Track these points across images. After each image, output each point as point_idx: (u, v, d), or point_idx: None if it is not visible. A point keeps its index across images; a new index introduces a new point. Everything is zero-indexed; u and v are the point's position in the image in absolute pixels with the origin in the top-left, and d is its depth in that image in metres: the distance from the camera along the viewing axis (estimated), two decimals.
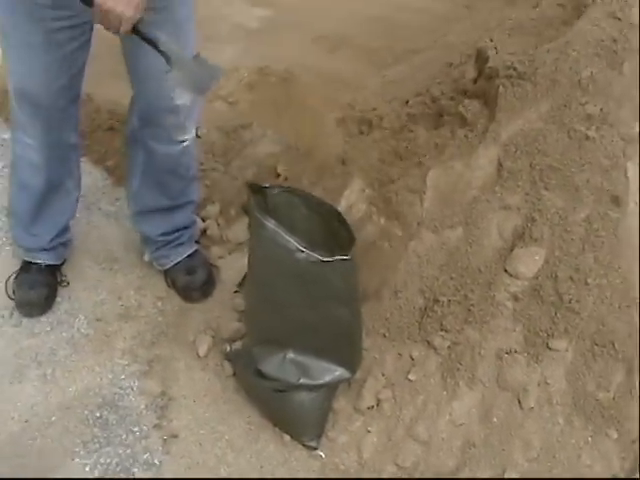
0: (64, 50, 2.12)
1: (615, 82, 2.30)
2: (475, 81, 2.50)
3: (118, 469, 2.19)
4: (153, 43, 1.92)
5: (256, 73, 1.72)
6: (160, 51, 1.91)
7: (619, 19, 2.35)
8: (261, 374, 2.15)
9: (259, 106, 1.83)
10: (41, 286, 2.56)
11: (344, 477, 2.13)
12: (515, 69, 2.35)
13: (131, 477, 2.11)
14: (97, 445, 2.25)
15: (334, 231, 2.04)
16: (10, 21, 2.09)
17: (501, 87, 2.35)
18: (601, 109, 2.27)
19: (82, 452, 2.23)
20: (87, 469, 2.19)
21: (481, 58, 2.50)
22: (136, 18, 1.86)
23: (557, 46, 2.35)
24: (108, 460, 2.22)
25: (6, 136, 3.09)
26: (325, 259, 1.91)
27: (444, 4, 3.94)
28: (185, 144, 2.35)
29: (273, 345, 2.13)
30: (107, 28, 1.88)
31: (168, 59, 1.90)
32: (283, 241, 1.92)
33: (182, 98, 2.17)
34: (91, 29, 2.13)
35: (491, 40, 2.52)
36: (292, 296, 2.00)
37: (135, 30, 1.90)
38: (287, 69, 1.78)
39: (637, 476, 2.11)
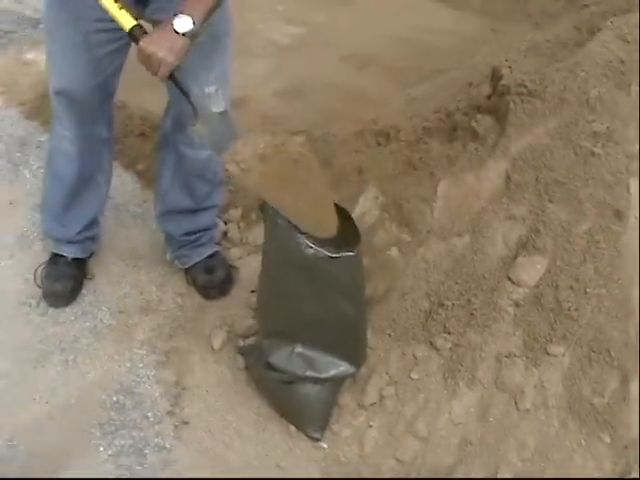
0: (102, 51, 2.32)
1: (622, 102, 2.43)
2: (489, 98, 2.65)
3: (131, 450, 2.34)
4: (185, 93, 2.11)
5: (272, 147, 1.91)
6: (190, 102, 2.10)
7: (628, 42, 2.49)
8: (270, 366, 2.30)
9: (266, 179, 2.02)
10: (67, 279, 2.75)
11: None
12: (526, 87, 2.49)
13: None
14: (112, 427, 2.40)
15: (342, 229, 2.19)
16: (57, 18, 2.30)
17: (512, 103, 2.49)
18: (607, 127, 2.40)
19: (98, 433, 2.39)
20: (101, 449, 2.35)
21: (496, 76, 2.65)
22: (174, 65, 2.04)
23: (567, 66, 2.49)
24: (122, 442, 2.37)
25: (42, 139, 3.30)
26: (332, 255, 2.06)
27: (472, 27, 4.11)
28: (211, 154, 2.50)
29: (282, 338, 2.28)
30: (147, 69, 2.07)
31: (195, 112, 2.09)
32: (294, 237, 2.08)
33: (217, 105, 2.34)
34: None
35: (506, 60, 2.66)
36: (301, 290, 2.16)
37: (172, 76, 2.09)
38: (300, 151, 2.00)
39: (633, 476, 2.21)
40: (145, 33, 2.08)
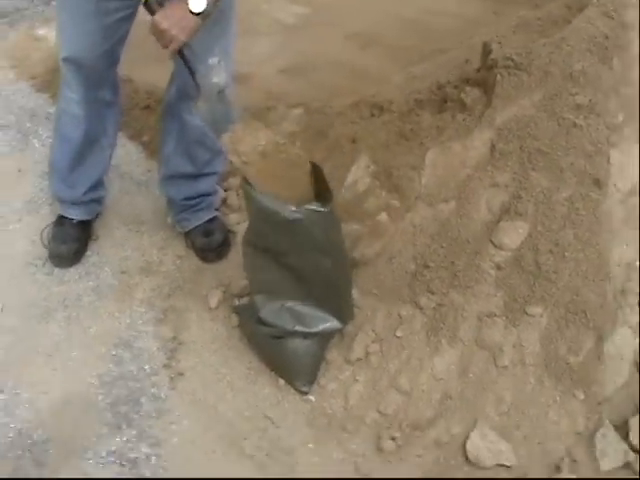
0: (110, 19, 2.46)
1: (604, 76, 2.56)
2: (478, 71, 2.80)
3: (128, 399, 2.51)
4: (192, 71, 2.27)
5: (273, 145, 2.08)
6: (195, 80, 2.26)
7: (612, 18, 2.62)
8: (261, 320, 2.47)
9: (263, 174, 2.22)
10: (72, 241, 2.93)
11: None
12: (513, 60, 2.63)
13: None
14: (110, 378, 2.57)
15: (317, 191, 2.35)
16: None
17: (499, 76, 2.63)
18: (590, 100, 2.54)
19: (96, 382, 2.56)
20: (100, 398, 2.52)
21: (486, 51, 2.80)
22: (184, 42, 2.20)
23: (553, 41, 2.62)
24: (119, 392, 2.54)
25: (52, 110, 3.48)
26: (301, 209, 2.22)
27: (474, 10, 4.25)
28: None
29: (272, 294, 2.45)
30: (158, 41, 2.23)
31: (199, 90, 2.25)
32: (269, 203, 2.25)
33: (219, 76, 2.51)
34: (137, 2, 2.41)
35: (497, 35, 2.81)
36: (282, 246, 2.33)
37: (180, 53, 2.25)
38: (298, 153, 2.20)
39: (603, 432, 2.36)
40: (160, 4, 2.23)
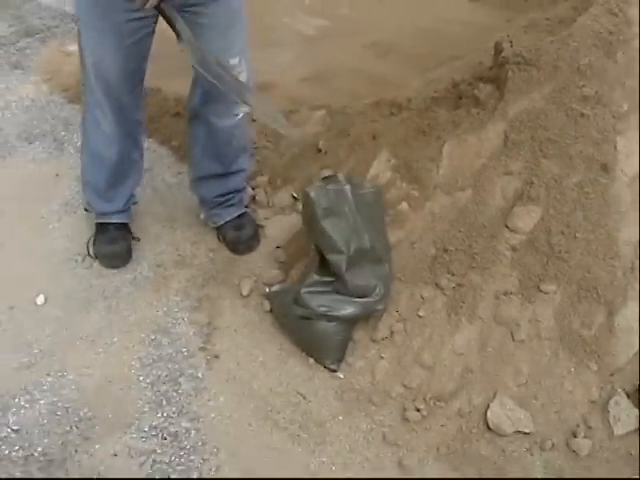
0: (133, 39, 2.68)
1: (609, 69, 2.80)
2: (491, 69, 3.07)
3: (167, 379, 2.76)
4: (171, 21, 2.49)
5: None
6: (175, 29, 2.49)
7: (616, 15, 2.87)
8: (298, 301, 2.72)
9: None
10: (121, 240, 3.18)
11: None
12: (523, 57, 2.88)
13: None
14: (150, 360, 2.81)
15: None
16: (90, 13, 2.64)
17: (510, 72, 2.89)
18: (596, 91, 2.78)
19: (138, 365, 2.80)
20: (141, 379, 2.76)
21: (497, 50, 3.07)
22: None
23: (560, 38, 2.88)
24: (159, 372, 2.78)
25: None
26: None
27: (487, 17, 4.53)
28: (239, 117, 2.91)
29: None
30: (135, 2, 2.43)
31: (179, 36, 2.48)
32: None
33: (241, 75, 2.76)
34: (155, 22, 2.68)
35: (508, 35, 3.09)
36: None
37: (159, 8, 2.46)
38: None
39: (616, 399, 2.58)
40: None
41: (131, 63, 2.74)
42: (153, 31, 2.71)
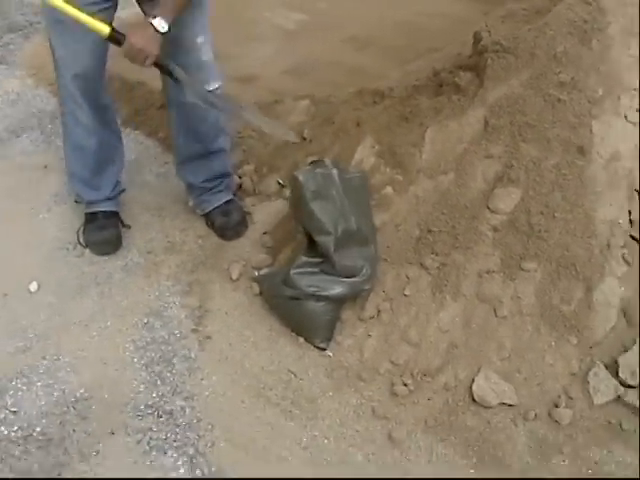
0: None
1: (585, 56, 2.93)
2: (470, 57, 3.20)
3: (161, 360, 2.85)
4: (170, 73, 2.77)
5: None
6: (175, 78, 2.76)
7: (590, 4, 2.99)
8: (287, 282, 2.82)
9: None
10: (111, 227, 3.27)
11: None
12: (501, 45, 3.01)
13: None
14: (144, 343, 2.90)
15: None
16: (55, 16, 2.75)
17: (489, 59, 3.01)
18: (572, 77, 2.90)
19: (132, 348, 2.89)
20: (135, 360, 2.85)
21: (477, 39, 3.20)
22: (157, 55, 2.65)
23: (537, 26, 3.00)
24: (153, 354, 2.87)
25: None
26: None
27: (464, 10, 4.66)
28: (211, 93, 2.97)
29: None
30: (134, 62, 2.65)
31: (179, 83, 2.75)
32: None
33: (207, 54, 2.90)
34: (114, 10, 2.85)
35: (486, 25, 3.22)
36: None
37: (158, 65, 2.73)
38: None
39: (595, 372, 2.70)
40: (119, 32, 2.65)
41: (98, 52, 2.86)
42: (113, 18, 2.84)
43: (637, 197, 2.83)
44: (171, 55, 2.86)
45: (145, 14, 2.73)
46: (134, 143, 3.74)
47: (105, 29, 2.63)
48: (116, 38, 2.64)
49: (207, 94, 2.83)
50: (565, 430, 2.60)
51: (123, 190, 3.34)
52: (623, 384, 2.65)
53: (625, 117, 2.87)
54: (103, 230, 3.24)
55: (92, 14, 2.62)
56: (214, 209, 3.26)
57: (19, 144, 3.84)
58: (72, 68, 2.86)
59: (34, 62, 4.42)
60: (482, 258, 2.83)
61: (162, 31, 2.61)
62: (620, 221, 2.82)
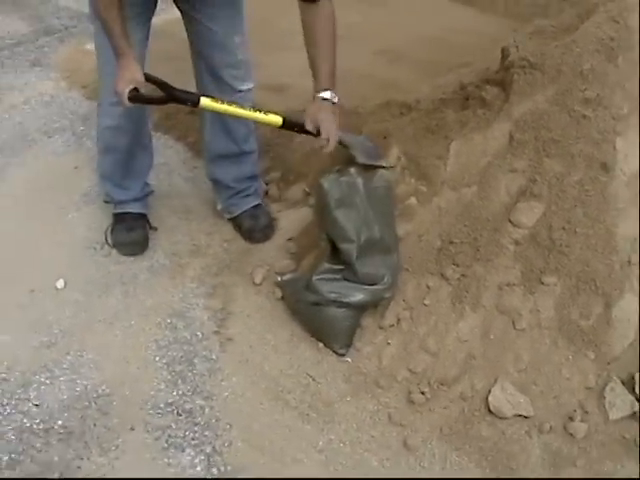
0: (140, 32, 2.93)
1: (610, 73, 2.95)
2: (497, 72, 3.26)
3: (182, 360, 2.92)
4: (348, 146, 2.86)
5: None
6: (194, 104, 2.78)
7: (617, 22, 3.03)
8: (309, 287, 2.88)
9: None
10: (139, 228, 3.37)
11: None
12: (528, 61, 3.05)
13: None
14: (166, 342, 2.98)
15: None
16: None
17: (515, 75, 3.05)
18: (597, 94, 2.93)
19: (154, 347, 2.97)
20: (157, 359, 2.93)
21: (504, 55, 3.25)
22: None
23: (564, 43, 3.05)
24: (174, 354, 2.94)
25: None
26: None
27: (495, 27, 4.72)
28: (243, 93, 3.11)
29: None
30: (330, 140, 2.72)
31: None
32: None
33: (243, 54, 2.99)
34: (155, 6, 2.95)
35: (514, 40, 3.27)
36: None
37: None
38: None
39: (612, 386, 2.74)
40: (289, 119, 2.82)
41: (141, 51, 2.96)
42: (151, 17, 2.97)
43: None
44: (208, 54, 2.97)
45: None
46: (164, 147, 3.82)
47: (279, 119, 2.77)
48: (293, 124, 2.81)
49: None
50: (579, 444, 2.63)
51: (152, 192, 3.41)
52: (639, 400, 2.64)
53: None
54: (131, 231, 3.32)
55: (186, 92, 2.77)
56: (242, 213, 3.34)
57: (51, 145, 3.95)
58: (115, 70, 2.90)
59: (68, 65, 4.54)
60: (502, 271, 2.86)
61: (335, 102, 2.73)
62: None
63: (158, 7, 2.96)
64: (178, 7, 2.97)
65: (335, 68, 2.79)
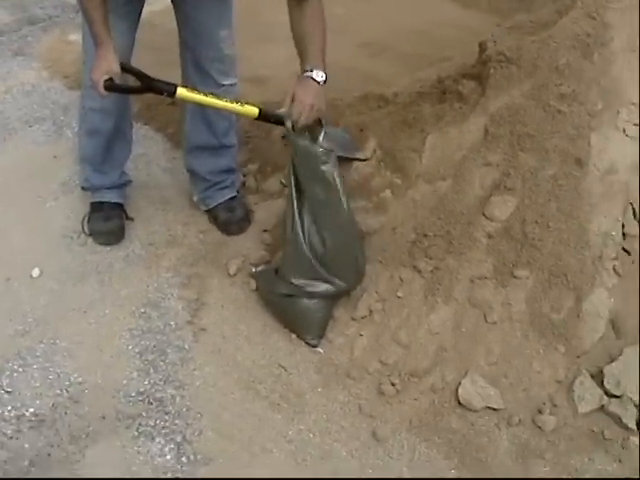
0: (127, 20, 2.95)
1: (586, 69, 2.97)
2: (474, 66, 3.28)
3: (155, 349, 2.93)
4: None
5: None
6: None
7: (594, 19, 3.06)
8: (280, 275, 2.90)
9: None
10: (115, 218, 3.37)
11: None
12: (505, 55, 3.07)
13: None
14: (140, 332, 2.99)
15: None
16: None
17: (492, 69, 3.08)
18: (573, 90, 2.95)
19: (127, 336, 2.98)
20: (130, 347, 2.94)
21: (482, 49, 3.27)
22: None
23: (541, 38, 3.07)
24: (147, 343, 2.95)
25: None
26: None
27: (478, 22, 4.73)
28: (226, 87, 3.11)
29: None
30: (306, 120, 2.70)
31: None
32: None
33: (229, 48, 3.00)
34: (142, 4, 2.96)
35: (492, 35, 3.29)
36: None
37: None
38: None
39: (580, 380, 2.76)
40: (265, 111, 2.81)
41: (127, 41, 2.99)
42: (141, 10, 2.98)
43: (631, 210, 2.85)
44: (194, 46, 2.98)
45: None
46: (143, 138, 3.83)
47: (255, 111, 2.79)
48: (269, 116, 2.82)
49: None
50: (548, 436, 2.65)
51: (129, 182, 3.43)
52: (608, 394, 2.69)
53: (623, 131, 2.91)
54: (107, 221, 3.33)
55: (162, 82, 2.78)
56: (218, 205, 3.35)
57: (31, 134, 3.96)
58: None
59: (51, 55, 4.55)
60: (475, 264, 2.89)
61: (322, 81, 2.69)
62: (613, 233, 2.86)
63: None
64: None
65: (324, 51, 2.75)
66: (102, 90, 2.70)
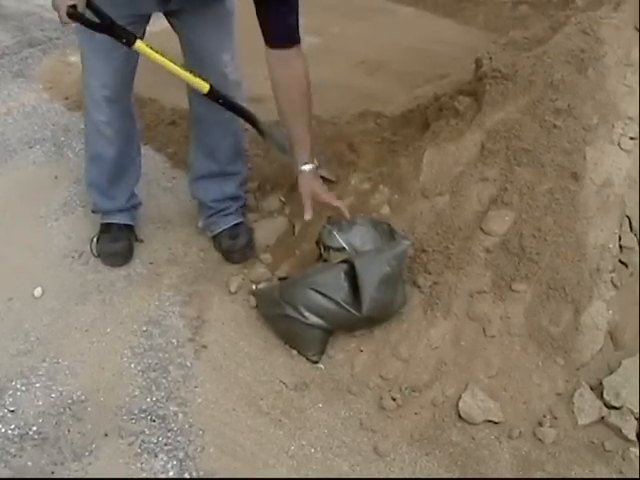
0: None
1: (581, 84, 3.03)
2: (470, 83, 3.32)
3: (157, 366, 2.96)
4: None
5: None
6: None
7: (588, 34, 3.11)
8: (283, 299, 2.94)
9: None
10: (123, 239, 3.39)
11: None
12: (500, 71, 3.12)
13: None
14: (142, 349, 3.01)
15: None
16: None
17: (488, 85, 3.12)
18: (568, 104, 3.00)
19: (129, 354, 3.00)
20: (132, 366, 2.96)
21: (478, 65, 3.32)
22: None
23: (536, 54, 3.12)
24: (150, 361, 2.97)
25: (83, 126, 4.00)
26: None
27: (475, 40, 4.79)
28: (232, 114, 3.10)
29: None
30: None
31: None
32: None
33: (234, 74, 3.03)
34: (146, 23, 2.97)
35: (487, 52, 3.34)
36: None
37: None
38: None
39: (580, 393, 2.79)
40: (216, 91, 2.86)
41: (129, 65, 3.01)
42: (144, 33, 2.98)
43: (628, 223, 2.88)
44: (199, 72, 2.95)
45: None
46: (144, 158, 3.81)
47: (206, 85, 2.83)
48: (215, 94, 2.88)
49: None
50: (548, 449, 2.66)
51: (139, 204, 3.46)
52: (607, 405, 2.71)
53: (618, 144, 2.95)
54: (114, 242, 3.36)
55: (123, 29, 2.73)
56: (222, 231, 3.37)
57: (32, 155, 4.00)
58: (101, 78, 3.00)
59: (51, 77, 4.61)
60: (474, 278, 2.91)
61: (316, 172, 2.92)
62: (610, 246, 2.90)
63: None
64: (169, 21, 2.99)
65: (310, 127, 2.94)
66: (65, 17, 2.61)
